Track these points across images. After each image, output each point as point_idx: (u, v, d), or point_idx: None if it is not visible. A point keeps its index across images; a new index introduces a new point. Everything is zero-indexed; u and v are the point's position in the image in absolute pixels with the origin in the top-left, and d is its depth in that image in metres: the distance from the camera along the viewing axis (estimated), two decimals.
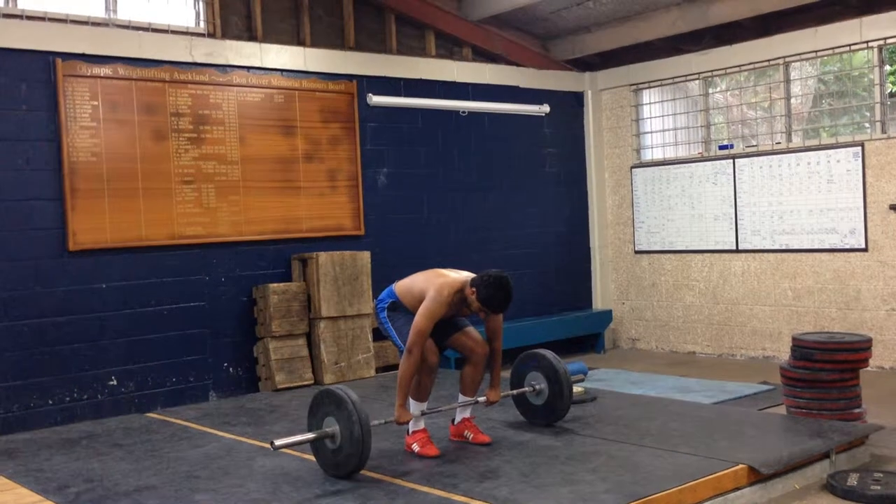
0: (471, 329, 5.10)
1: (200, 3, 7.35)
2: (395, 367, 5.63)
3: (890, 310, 7.63)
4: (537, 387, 5.38)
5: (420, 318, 4.73)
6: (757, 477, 4.40)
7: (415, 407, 4.91)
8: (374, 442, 5.12)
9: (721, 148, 8.93)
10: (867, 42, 7.74)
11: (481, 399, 5.15)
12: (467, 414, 5.16)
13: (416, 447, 4.87)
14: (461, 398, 5.14)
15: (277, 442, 4.49)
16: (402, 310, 4.97)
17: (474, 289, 4.76)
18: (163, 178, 6.92)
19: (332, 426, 4.48)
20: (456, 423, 5.19)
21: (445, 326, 4.99)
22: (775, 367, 6.58)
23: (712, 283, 8.96)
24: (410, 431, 4.93)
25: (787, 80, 8.44)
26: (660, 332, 9.47)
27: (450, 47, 8.89)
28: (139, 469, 4.92)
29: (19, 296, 6.29)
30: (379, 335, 7.66)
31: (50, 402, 6.38)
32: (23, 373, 6.28)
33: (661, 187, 9.35)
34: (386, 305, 5.05)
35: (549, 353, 5.42)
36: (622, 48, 9.24)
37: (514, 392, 5.45)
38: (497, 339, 5.08)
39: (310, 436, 4.56)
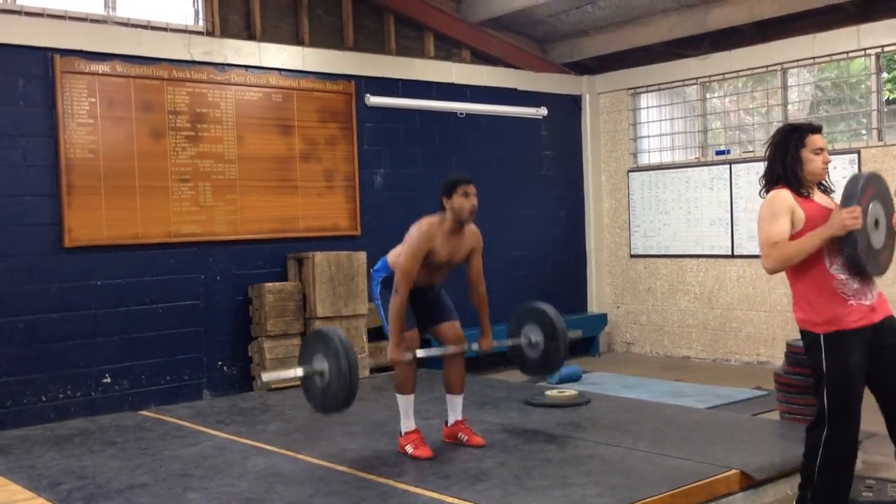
0: (456, 323, 5.06)
1: (199, 2, 7.34)
2: (389, 368, 5.62)
3: None
4: (533, 339, 5.26)
5: (405, 259, 4.74)
6: (749, 482, 4.41)
7: (403, 401, 4.90)
8: (368, 442, 5.14)
9: (718, 153, 8.95)
10: (865, 49, 7.76)
11: (475, 346, 5.08)
12: (459, 416, 5.16)
13: (409, 448, 4.87)
14: (449, 398, 5.13)
15: (266, 377, 4.55)
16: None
17: (444, 198, 4.80)
18: (160, 176, 6.91)
19: (321, 363, 4.49)
20: (449, 424, 5.18)
21: (433, 309, 4.98)
22: (769, 372, 6.60)
23: (707, 288, 8.97)
24: (403, 432, 4.93)
25: (785, 87, 8.46)
26: (654, 337, 9.48)
27: (448, 49, 8.90)
28: (132, 467, 4.91)
29: (14, 292, 6.28)
30: (374, 336, 7.68)
31: (43, 398, 6.37)
32: (17, 369, 6.26)
33: (658, 191, 9.36)
34: (381, 279, 5.03)
35: (548, 307, 5.32)
36: (620, 52, 9.25)
37: (510, 342, 5.34)
38: (481, 284, 5.08)
39: (299, 371, 4.57)
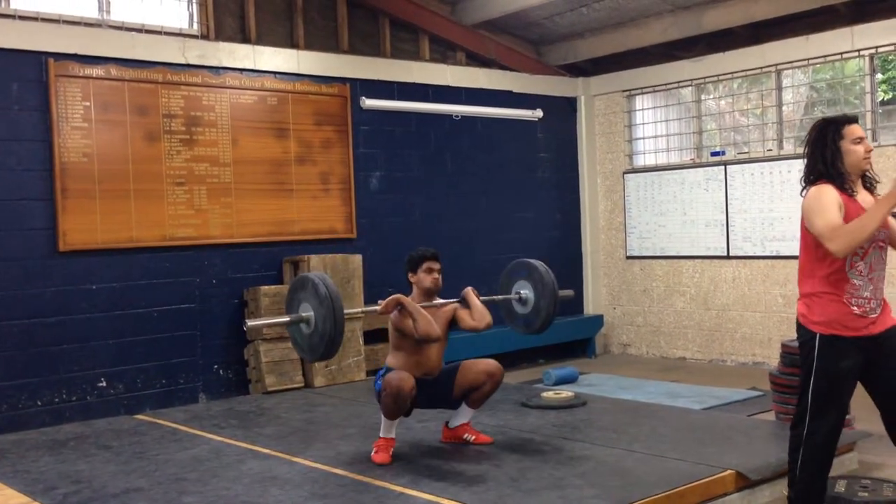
0: (468, 361, 5.04)
1: (194, 5, 7.34)
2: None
3: None
4: (523, 295, 5.28)
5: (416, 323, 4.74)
6: (745, 482, 4.42)
7: (386, 422, 4.89)
8: (364, 445, 5.14)
9: (713, 154, 8.96)
10: (858, 51, 7.78)
11: (464, 291, 5.09)
12: (466, 420, 5.17)
13: (374, 450, 4.89)
14: (464, 408, 5.12)
15: (251, 323, 4.60)
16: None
17: (410, 273, 4.97)
18: (154, 179, 6.90)
19: (307, 311, 4.45)
20: (452, 426, 5.19)
21: (444, 382, 4.99)
22: (765, 373, 6.61)
23: (703, 289, 8.98)
24: (380, 435, 4.92)
25: (779, 88, 8.47)
26: (650, 338, 9.49)
27: (443, 51, 8.90)
28: (127, 471, 4.90)
29: (9, 296, 6.26)
30: (369, 339, 7.67)
31: (38, 403, 6.36)
32: (11, 374, 6.25)
33: (654, 193, 9.37)
34: (382, 375, 4.98)
35: (538, 264, 5.34)
36: (615, 54, 9.26)
37: (500, 297, 5.34)
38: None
39: (284, 318, 4.55)
